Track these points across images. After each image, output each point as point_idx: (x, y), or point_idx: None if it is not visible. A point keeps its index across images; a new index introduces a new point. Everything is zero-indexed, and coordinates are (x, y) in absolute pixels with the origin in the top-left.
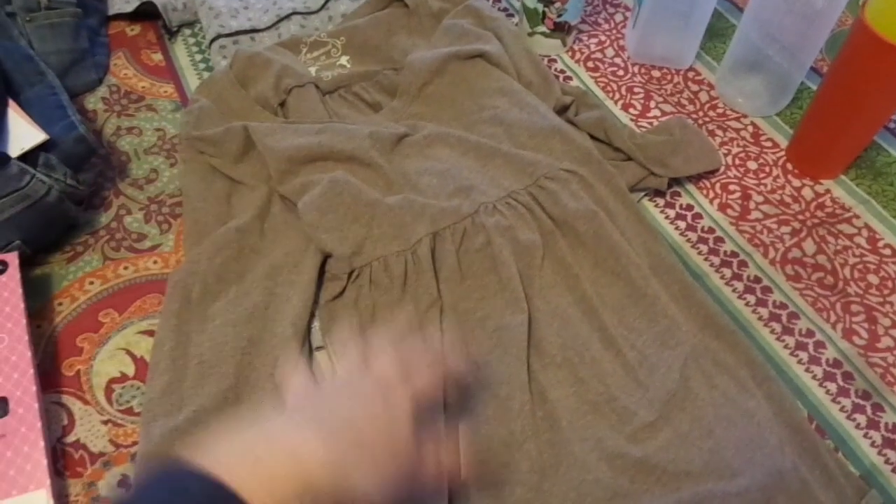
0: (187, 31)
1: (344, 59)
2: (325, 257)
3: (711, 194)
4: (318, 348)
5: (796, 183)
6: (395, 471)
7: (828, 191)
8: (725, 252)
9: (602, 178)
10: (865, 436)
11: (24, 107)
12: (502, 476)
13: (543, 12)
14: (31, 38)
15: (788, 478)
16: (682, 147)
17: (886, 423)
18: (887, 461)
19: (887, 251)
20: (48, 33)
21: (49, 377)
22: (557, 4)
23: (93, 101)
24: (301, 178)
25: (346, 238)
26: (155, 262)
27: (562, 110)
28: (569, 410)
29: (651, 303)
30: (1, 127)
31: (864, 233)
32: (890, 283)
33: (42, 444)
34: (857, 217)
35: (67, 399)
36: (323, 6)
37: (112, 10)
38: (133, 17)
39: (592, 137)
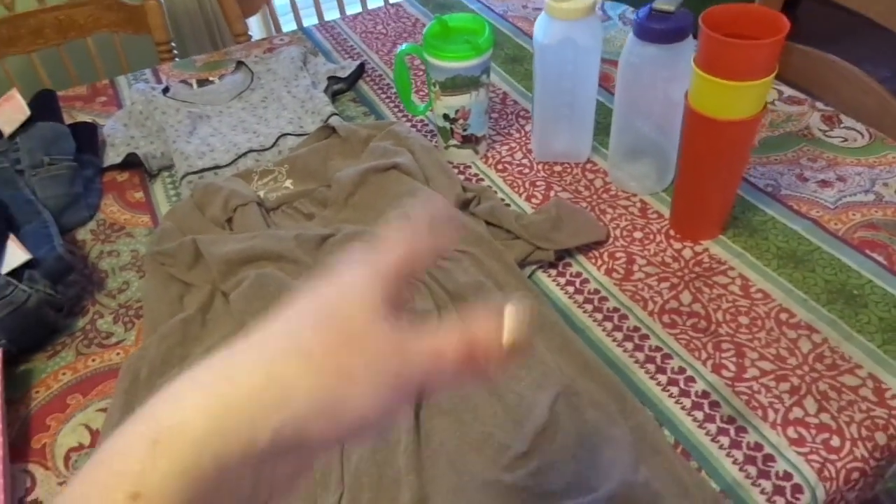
0: (165, 174)
1: (288, 183)
2: None
3: (599, 262)
4: None
5: (677, 246)
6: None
7: (706, 249)
8: (608, 308)
9: (492, 255)
10: (728, 455)
11: (21, 238)
12: None
13: (451, 129)
14: (34, 187)
15: (639, 490)
16: (563, 223)
17: (748, 443)
18: (747, 476)
19: (759, 295)
20: (48, 183)
21: (20, 450)
22: (460, 121)
23: (83, 233)
24: (238, 276)
25: None
26: (118, 354)
27: (464, 205)
28: (451, 449)
29: (529, 354)
30: (0, 253)
31: (738, 281)
32: (759, 322)
33: (3, 500)
34: (732, 269)
35: (33, 466)
36: (274, 144)
37: (106, 163)
38: (123, 166)
39: (488, 224)
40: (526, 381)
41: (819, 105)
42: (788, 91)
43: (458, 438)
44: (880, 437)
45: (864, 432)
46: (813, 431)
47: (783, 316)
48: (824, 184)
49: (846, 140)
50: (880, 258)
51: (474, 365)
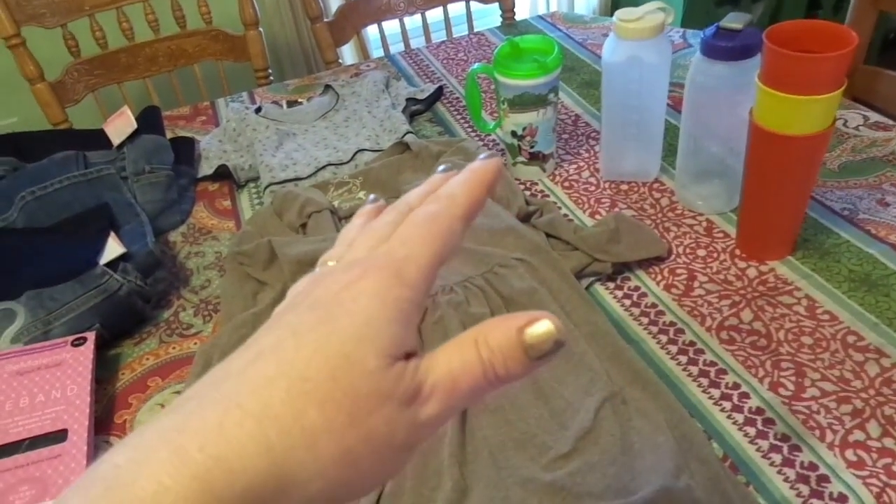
0: (252, 185)
1: (361, 194)
2: None
3: (659, 277)
4: None
5: (742, 265)
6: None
7: (772, 270)
8: (664, 322)
9: (548, 264)
10: (779, 472)
11: (120, 236)
12: (430, 495)
13: (518, 146)
14: (135, 192)
15: (679, 496)
16: (622, 236)
17: (802, 462)
18: (799, 494)
19: (825, 316)
20: (148, 189)
21: (104, 423)
22: (528, 138)
23: (175, 235)
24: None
25: None
26: (195, 343)
27: (527, 217)
28: (493, 446)
29: (579, 359)
30: (101, 247)
31: (804, 302)
32: (824, 343)
33: (86, 465)
34: (799, 290)
35: (114, 439)
36: (351, 158)
37: (200, 174)
38: (215, 177)
39: (548, 236)
40: (573, 385)
41: None
42: (875, 117)
43: (502, 436)
44: None
45: None
46: (874, 455)
47: (850, 339)
48: None
49: None
50: None
51: (495, 382)
